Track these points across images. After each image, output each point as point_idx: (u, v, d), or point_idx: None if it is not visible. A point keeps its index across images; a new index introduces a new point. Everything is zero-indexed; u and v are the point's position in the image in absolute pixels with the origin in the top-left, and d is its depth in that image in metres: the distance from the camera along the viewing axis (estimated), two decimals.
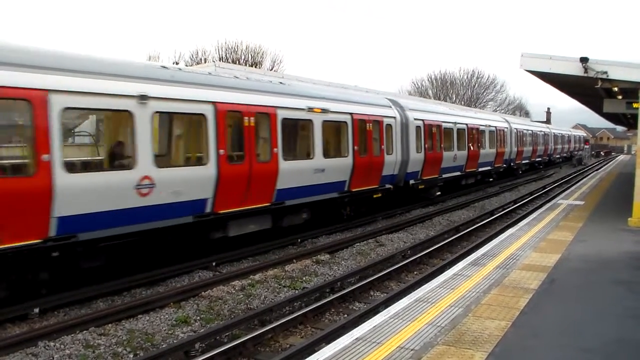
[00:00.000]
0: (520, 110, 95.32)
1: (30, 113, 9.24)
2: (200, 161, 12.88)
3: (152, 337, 9.01)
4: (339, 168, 17.34)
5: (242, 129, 13.65)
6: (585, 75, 14.86)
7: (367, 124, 18.75)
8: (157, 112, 11.54)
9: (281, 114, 14.75)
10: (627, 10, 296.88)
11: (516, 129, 38.81)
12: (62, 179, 9.62)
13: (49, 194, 9.47)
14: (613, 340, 6.87)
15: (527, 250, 11.89)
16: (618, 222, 15.54)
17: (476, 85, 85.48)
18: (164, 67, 12.50)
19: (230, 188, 13.15)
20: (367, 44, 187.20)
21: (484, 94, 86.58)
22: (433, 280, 9.58)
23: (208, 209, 12.77)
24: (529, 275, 9.72)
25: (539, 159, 48.00)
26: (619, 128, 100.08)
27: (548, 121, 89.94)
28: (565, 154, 62.85)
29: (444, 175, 25.75)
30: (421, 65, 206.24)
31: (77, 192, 9.91)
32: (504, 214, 22.58)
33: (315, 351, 6.83)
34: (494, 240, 13.38)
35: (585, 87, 18.24)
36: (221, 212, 13.11)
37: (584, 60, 14.72)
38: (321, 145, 16.33)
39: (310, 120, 16.01)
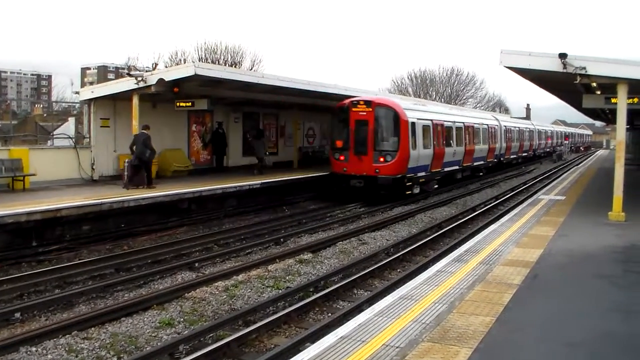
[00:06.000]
0: (500, 106, 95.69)
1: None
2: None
3: (135, 340, 8.92)
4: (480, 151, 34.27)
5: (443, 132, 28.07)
6: (564, 71, 14.92)
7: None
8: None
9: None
10: (606, 6, 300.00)
11: (505, 126, 41.80)
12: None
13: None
14: (597, 334, 6.92)
15: (509, 245, 11.94)
16: (599, 216, 15.67)
17: (456, 82, 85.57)
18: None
19: (465, 155, 31.06)
20: (346, 42, 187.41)
21: (464, 91, 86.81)
22: (417, 278, 9.59)
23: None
24: (512, 271, 9.76)
25: (525, 154, 51.08)
26: (598, 123, 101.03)
27: (528, 117, 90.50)
28: (548, 149, 66.13)
29: (445, 169, 28.89)
30: (401, 64, 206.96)
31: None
32: (486, 210, 22.69)
33: (300, 351, 6.81)
34: (476, 237, 13.41)
35: (564, 83, 18.36)
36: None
37: (562, 56, 14.79)
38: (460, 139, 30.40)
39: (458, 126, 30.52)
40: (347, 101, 24.33)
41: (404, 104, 26.09)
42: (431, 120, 26.41)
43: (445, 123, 28.37)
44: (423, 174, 25.42)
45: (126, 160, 19.56)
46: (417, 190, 25.18)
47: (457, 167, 30.67)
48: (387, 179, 23.02)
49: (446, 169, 28.74)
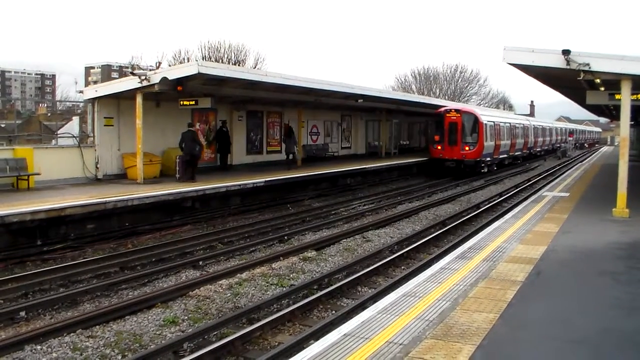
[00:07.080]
0: (503, 103, 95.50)
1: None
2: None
3: (140, 338, 8.96)
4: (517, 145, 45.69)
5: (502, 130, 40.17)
6: (568, 67, 14.88)
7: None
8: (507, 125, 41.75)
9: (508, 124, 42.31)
10: (610, 2, 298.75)
11: (534, 125, 54.62)
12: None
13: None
14: (600, 331, 6.92)
15: (513, 242, 11.93)
16: (603, 213, 15.63)
17: (460, 79, 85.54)
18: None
19: (510, 146, 42.42)
20: (350, 40, 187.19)
21: (468, 88, 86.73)
22: (420, 275, 9.58)
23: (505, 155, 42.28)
24: (516, 268, 9.75)
25: (547, 147, 64.04)
26: (602, 119, 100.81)
27: (532, 114, 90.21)
28: (562, 143, 73.98)
29: (500, 157, 40.62)
30: (404, 61, 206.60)
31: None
32: (490, 207, 22.67)
33: (304, 348, 6.81)
34: (480, 233, 13.40)
35: (567, 79, 18.30)
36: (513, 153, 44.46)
37: (566, 52, 14.74)
38: (508, 135, 41.78)
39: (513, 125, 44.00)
40: (442, 109, 36.09)
41: (479, 111, 38.85)
42: (493, 122, 37.73)
43: (500, 124, 39.58)
44: (489, 159, 37.03)
45: (177, 156, 21.36)
46: (485, 170, 36.61)
47: (506, 156, 42.29)
48: (470, 162, 34.61)
49: (500, 157, 40.30)
